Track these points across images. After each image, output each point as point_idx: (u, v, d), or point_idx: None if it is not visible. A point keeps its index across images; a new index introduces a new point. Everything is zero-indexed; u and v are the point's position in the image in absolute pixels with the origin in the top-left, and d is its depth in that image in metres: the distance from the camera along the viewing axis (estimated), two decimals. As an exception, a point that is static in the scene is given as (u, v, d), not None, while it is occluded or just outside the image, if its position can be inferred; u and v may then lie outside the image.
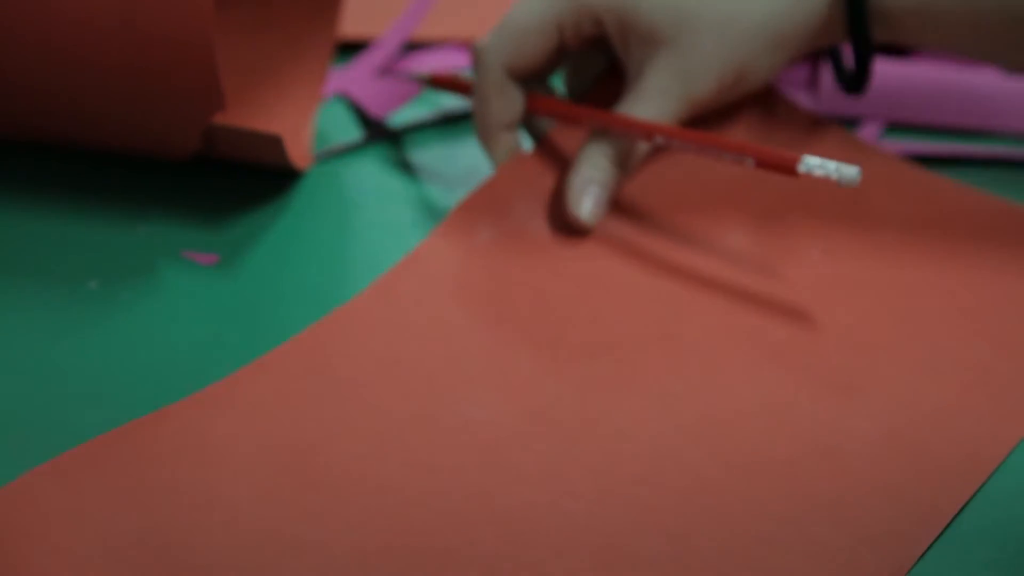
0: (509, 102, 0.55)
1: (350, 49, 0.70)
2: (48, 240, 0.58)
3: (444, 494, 0.45)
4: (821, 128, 0.63)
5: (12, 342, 0.52)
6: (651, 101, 0.53)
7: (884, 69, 0.69)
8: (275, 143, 0.57)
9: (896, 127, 0.66)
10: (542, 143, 0.60)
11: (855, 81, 0.55)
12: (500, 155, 0.56)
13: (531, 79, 0.56)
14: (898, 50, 0.69)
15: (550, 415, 0.48)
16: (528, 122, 0.58)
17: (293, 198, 0.61)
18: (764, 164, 0.50)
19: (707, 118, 0.58)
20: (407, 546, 0.43)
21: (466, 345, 0.51)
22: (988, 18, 0.53)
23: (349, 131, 0.66)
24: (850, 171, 0.48)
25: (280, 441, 0.46)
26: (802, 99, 0.68)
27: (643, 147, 0.55)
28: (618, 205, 0.56)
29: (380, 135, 0.66)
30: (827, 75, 0.68)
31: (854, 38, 0.53)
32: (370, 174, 0.63)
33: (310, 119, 0.63)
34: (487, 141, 0.56)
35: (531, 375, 0.50)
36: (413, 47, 0.71)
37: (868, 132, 0.67)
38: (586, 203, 0.54)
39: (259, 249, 0.58)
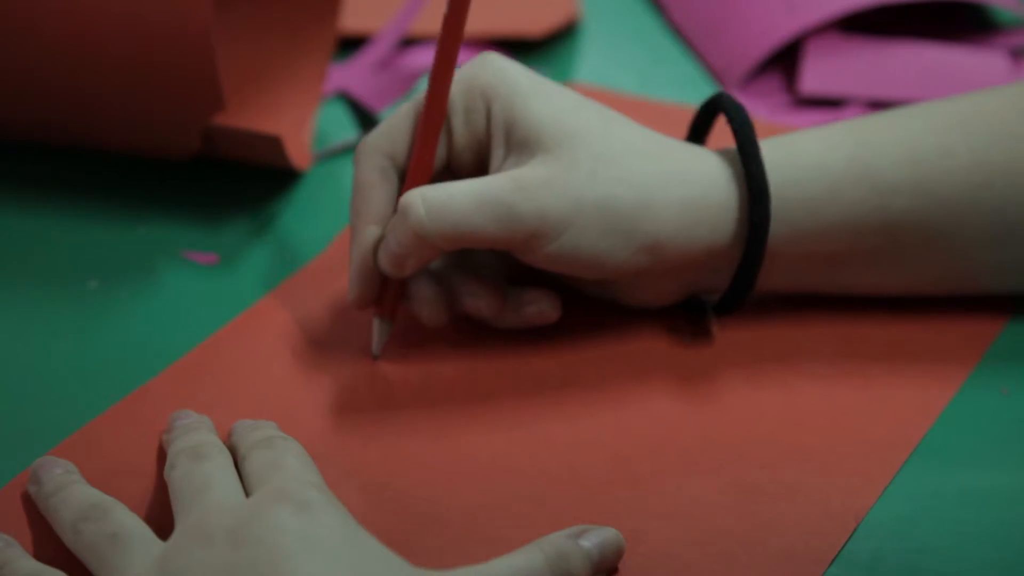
0: (386, 192, 0.50)
1: (347, 44, 0.71)
2: (48, 240, 0.58)
3: (423, 449, 0.48)
4: None
5: (12, 341, 0.53)
6: (481, 183, 0.49)
7: (865, 49, 0.69)
8: (275, 143, 0.58)
9: (879, 106, 0.66)
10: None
11: (728, 305, 0.52)
12: (364, 246, 0.50)
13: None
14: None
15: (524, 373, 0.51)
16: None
17: (293, 198, 0.61)
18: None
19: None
20: (390, 499, 0.45)
21: None
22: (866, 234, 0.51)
23: (348, 131, 0.66)
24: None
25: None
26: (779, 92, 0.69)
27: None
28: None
29: None
30: (807, 59, 0.68)
31: (742, 274, 0.50)
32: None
33: (310, 119, 0.63)
34: (354, 234, 0.51)
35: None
36: (410, 42, 0.71)
37: (851, 113, 0.67)
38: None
39: (259, 249, 0.58)
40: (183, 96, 0.55)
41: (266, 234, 0.59)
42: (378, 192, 0.50)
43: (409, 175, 0.50)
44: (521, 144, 0.49)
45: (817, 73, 0.67)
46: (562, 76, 0.70)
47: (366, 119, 0.66)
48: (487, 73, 0.50)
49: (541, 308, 0.52)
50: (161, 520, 0.44)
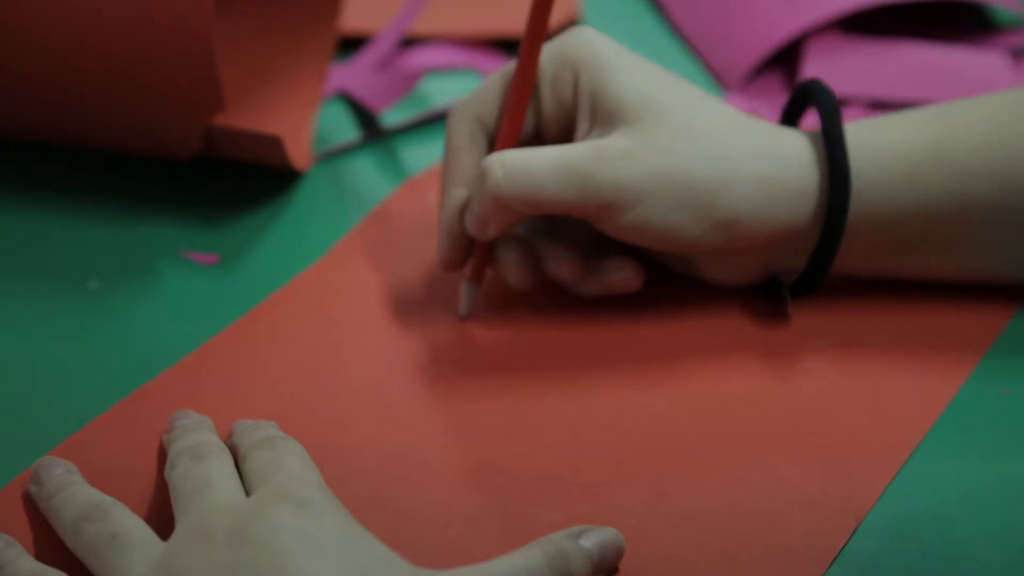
0: (475, 156, 0.51)
1: (348, 44, 0.70)
2: (48, 240, 0.58)
3: (423, 449, 0.48)
4: None
5: (12, 341, 0.52)
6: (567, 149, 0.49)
7: (865, 49, 0.69)
8: (275, 143, 0.57)
9: (879, 106, 0.67)
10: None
11: (804, 286, 0.52)
12: (451, 207, 0.51)
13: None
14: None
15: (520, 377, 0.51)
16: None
17: (293, 198, 0.61)
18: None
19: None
20: (391, 499, 0.46)
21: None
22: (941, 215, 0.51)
23: (348, 131, 0.66)
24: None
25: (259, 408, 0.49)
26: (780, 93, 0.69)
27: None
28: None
29: (377, 135, 0.66)
30: (807, 59, 0.68)
31: (819, 256, 0.51)
32: (368, 173, 0.63)
33: (310, 120, 0.63)
34: (442, 193, 0.52)
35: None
36: (410, 42, 0.71)
37: (851, 113, 0.67)
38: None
39: (259, 249, 0.58)
40: (184, 96, 0.55)
41: (266, 234, 0.59)
42: (467, 155, 0.51)
43: (498, 141, 0.51)
44: (605, 116, 0.50)
45: (817, 73, 0.66)
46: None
47: (366, 119, 0.66)
48: (577, 45, 0.51)
49: (625, 275, 0.53)
50: (161, 520, 0.44)
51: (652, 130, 0.49)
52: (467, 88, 0.67)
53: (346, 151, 0.65)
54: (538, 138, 0.52)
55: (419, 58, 0.70)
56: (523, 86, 0.50)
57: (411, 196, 0.60)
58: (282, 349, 0.52)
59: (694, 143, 0.49)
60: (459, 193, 0.51)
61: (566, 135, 0.52)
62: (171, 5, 0.53)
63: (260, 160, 0.60)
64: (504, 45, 0.72)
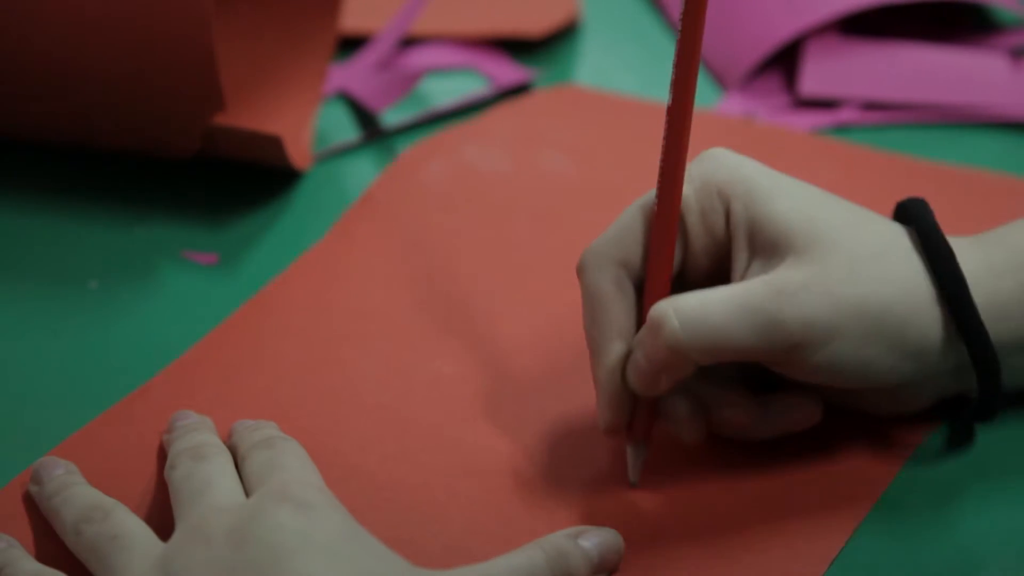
0: (626, 304, 0.47)
1: (348, 44, 0.70)
2: (48, 240, 0.58)
3: (422, 446, 0.47)
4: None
5: (12, 341, 0.52)
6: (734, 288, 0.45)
7: (865, 50, 0.69)
8: (275, 143, 0.57)
9: (879, 107, 0.67)
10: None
11: (980, 413, 0.48)
12: (611, 365, 0.47)
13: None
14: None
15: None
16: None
17: (293, 198, 0.61)
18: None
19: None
20: (391, 500, 0.45)
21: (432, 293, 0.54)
22: None
23: (348, 131, 0.66)
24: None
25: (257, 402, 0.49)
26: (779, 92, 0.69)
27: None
28: None
29: (377, 135, 0.65)
30: (807, 59, 0.68)
31: (981, 382, 0.47)
32: (368, 173, 0.63)
33: (310, 119, 0.63)
34: (597, 351, 0.47)
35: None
36: (410, 42, 0.70)
37: (847, 114, 0.67)
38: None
39: (259, 249, 0.58)
40: (183, 96, 0.55)
41: (266, 234, 0.59)
42: (617, 305, 0.47)
43: (648, 285, 0.47)
44: (768, 246, 0.46)
45: (817, 74, 0.67)
46: (562, 76, 0.70)
47: (366, 119, 0.66)
48: (722, 170, 0.47)
49: (808, 411, 0.48)
50: (162, 520, 0.44)
51: (826, 257, 0.45)
52: (466, 88, 0.68)
53: (346, 151, 0.65)
54: (683, 277, 0.48)
55: (419, 58, 0.69)
56: (670, 222, 0.46)
57: (400, 176, 0.60)
58: (283, 344, 0.52)
59: (873, 266, 0.46)
60: (617, 348, 0.46)
61: (717, 272, 0.48)
62: (171, 5, 0.53)
63: (260, 160, 0.60)
64: (505, 45, 0.71)
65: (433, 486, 0.47)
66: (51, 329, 0.53)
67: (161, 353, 0.52)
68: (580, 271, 0.47)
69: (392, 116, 0.66)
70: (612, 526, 0.44)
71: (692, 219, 0.47)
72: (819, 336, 0.45)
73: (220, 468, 0.43)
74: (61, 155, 0.62)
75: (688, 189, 0.47)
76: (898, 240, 0.46)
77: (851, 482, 0.47)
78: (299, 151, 0.61)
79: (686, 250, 0.48)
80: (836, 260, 0.45)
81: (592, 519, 0.46)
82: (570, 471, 0.48)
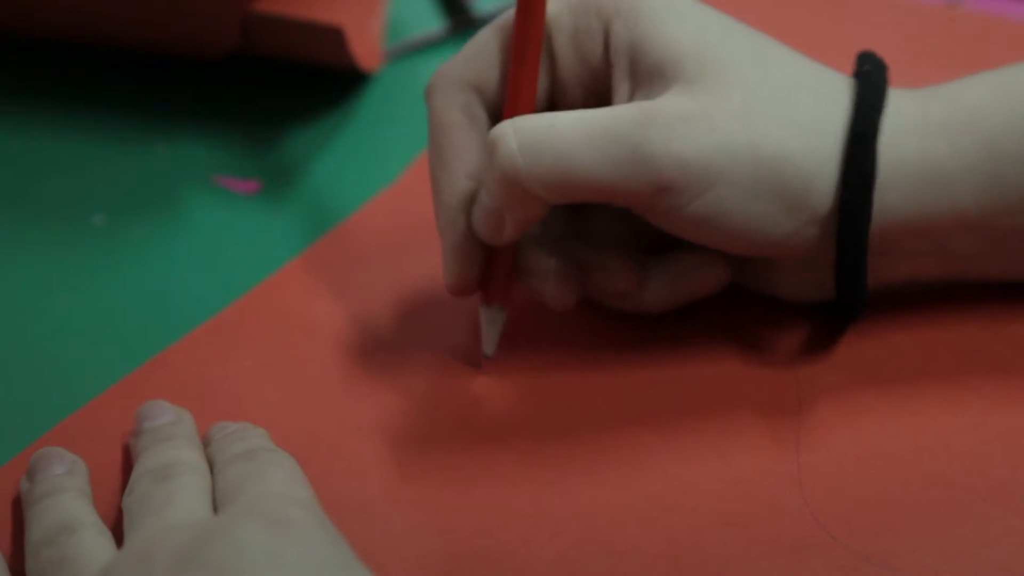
0: (476, 135, 0.46)
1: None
2: (44, 161, 0.56)
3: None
4: None
5: (1, 292, 0.50)
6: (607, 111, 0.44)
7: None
8: (335, 36, 0.55)
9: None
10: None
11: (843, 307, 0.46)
12: (452, 204, 0.45)
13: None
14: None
15: None
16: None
17: (357, 108, 0.59)
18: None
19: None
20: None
21: None
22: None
23: (430, 20, 0.64)
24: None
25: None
26: None
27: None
28: None
29: (468, 25, 0.64)
30: None
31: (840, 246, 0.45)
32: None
33: (380, 5, 0.61)
34: (436, 190, 0.46)
35: None
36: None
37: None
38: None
39: (312, 175, 0.56)
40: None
41: (322, 155, 0.57)
42: (464, 135, 0.45)
43: (505, 112, 0.45)
44: (653, 74, 0.44)
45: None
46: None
47: (454, 5, 0.65)
48: None
49: (711, 271, 0.47)
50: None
51: (718, 89, 0.43)
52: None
53: (428, 46, 0.63)
54: (555, 109, 0.47)
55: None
56: (531, 38, 0.44)
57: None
58: (342, 305, 0.49)
59: (774, 104, 0.43)
60: (461, 186, 0.45)
61: (594, 106, 0.46)
62: None
63: (315, 59, 0.58)
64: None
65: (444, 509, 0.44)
66: (45, 278, 0.51)
67: (185, 310, 0.49)
68: (427, 96, 0.46)
69: (487, 1, 0.66)
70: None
71: (561, 40, 0.45)
72: (695, 179, 0.42)
73: (186, 486, 0.41)
74: (63, 53, 0.61)
75: (559, 4, 0.45)
76: (813, 81, 0.44)
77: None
78: (366, 47, 0.59)
79: (554, 78, 0.46)
80: (730, 93, 0.43)
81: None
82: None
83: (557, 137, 0.42)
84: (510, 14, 0.45)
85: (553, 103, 0.47)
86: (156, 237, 0.53)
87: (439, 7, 0.64)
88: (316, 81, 0.60)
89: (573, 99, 0.46)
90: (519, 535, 0.42)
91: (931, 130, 0.44)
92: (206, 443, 0.44)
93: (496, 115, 0.46)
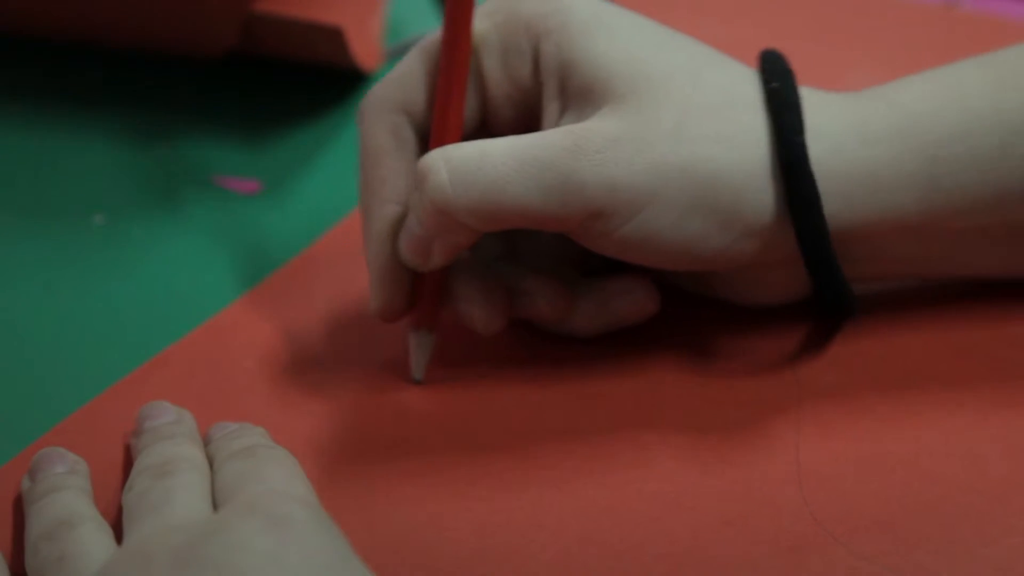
0: (404, 160, 0.45)
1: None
2: (44, 161, 0.56)
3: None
4: None
5: (1, 292, 0.50)
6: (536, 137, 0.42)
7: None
8: (335, 36, 0.56)
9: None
10: None
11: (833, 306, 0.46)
12: (379, 231, 0.45)
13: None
14: None
15: None
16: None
17: (357, 108, 0.58)
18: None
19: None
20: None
21: None
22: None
23: (429, 21, 0.64)
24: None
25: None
26: None
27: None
28: None
29: None
30: None
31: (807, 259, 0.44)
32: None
33: (380, 5, 0.61)
34: (364, 214, 0.45)
35: None
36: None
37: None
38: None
39: (313, 174, 0.56)
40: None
41: (322, 155, 0.57)
42: (393, 160, 0.45)
43: (433, 136, 0.45)
44: (583, 93, 0.43)
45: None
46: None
47: None
48: (531, 0, 0.44)
49: (636, 299, 0.46)
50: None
51: (650, 107, 0.42)
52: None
53: None
54: (486, 132, 0.46)
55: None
56: (457, 59, 0.44)
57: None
58: (341, 302, 0.49)
59: (708, 121, 0.42)
60: (388, 211, 0.44)
61: (526, 125, 0.45)
62: None
63: (315, 59, 0.58)
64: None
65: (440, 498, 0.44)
66: (44, 278, 0.50)
67: (185, 310, 0.49)
68: (357, 119, 0.45)
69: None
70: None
71: (490, 60, 0.44)
72: (627, 203, 0.41)
73: (186, 483, 0.40)
74: (62, 54, 0.61)
75: (487, 23, 0.44)
76: (748, 93, 0.43)
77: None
78: (366, 47, 0.59)
79: (484, 97, 0.45)
80: (661, 112, 0.42)
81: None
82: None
83: (488, 166, 0.42)
84: (437, 34, 0.45)
85: (483, 122, 0.46)
86: (156, 237, 0.53)
87: (439, 7, 0.64)
88: (316, 81, 0.59)
89: (504, 118, 0.46)
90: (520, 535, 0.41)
91: (871, 137, 0.44)
92: (206, 442, 0.44)
93: (426, 136, 0.45)
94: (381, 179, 0.45)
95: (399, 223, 0.45)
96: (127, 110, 0.59)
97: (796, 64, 0.49)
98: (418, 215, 0.43)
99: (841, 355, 0.46)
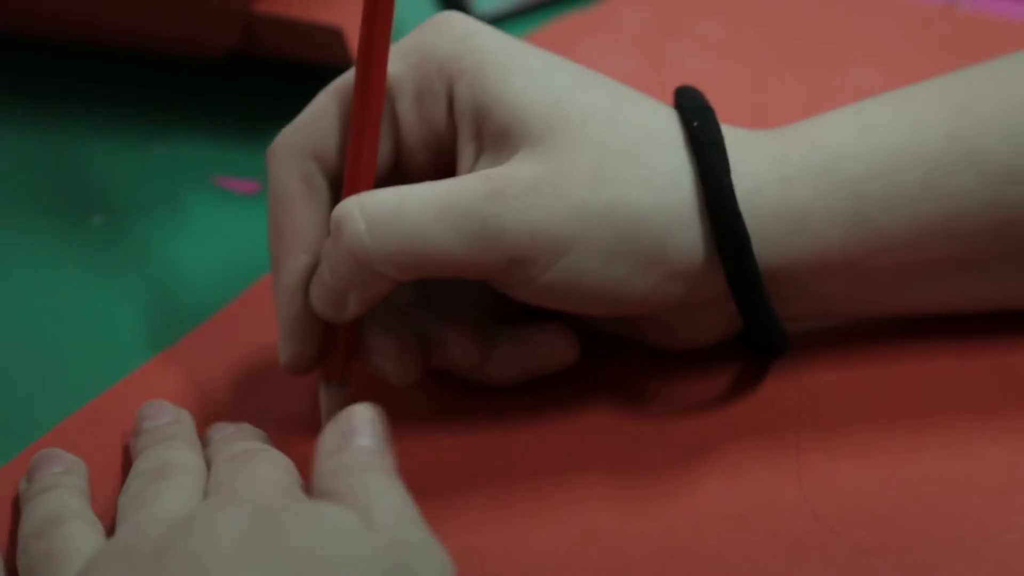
0: (315, 207, 0.43)
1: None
2: (44, 161, 0.56)
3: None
4: None
5: (1, 292, 0.50)
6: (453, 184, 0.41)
7: None
8: (335, 37, 0.55)
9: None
10: None
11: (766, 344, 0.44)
12: (290, 282, 0.43)
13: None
14: None
15: None
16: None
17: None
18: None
19: None
20: None
21: None
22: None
23: None
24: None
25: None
26: None
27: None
28: None
29: None
30: None
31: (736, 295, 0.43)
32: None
33: None
34: (274, 264, 0.44)
35: None
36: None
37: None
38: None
39: None
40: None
41: None
42: (303, 207, 0.43)
43: (346, 183, 0.43)
44: (498, 136, 0.42)
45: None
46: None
47: (455, 4, 0.65)
48: (446, 41, 0.43)
49: (556, 348, 0.44)
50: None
51: (568, 150, 0.41)
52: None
53: None
54: (399, 176, 0.45)
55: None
56: (370, 103, 0.42)
57: None
58: None
59: (628, 163, 0.41)
60: (299, 262, 0.43)
61: (441, 170, 0.44)
62: None
63: (315, 59, 0.57)
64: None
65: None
66: (43, 278, 0.50)
67: (185, 309, 0.49)
68: (266, 163, 0.44)
69: (487, 1, 0.66)
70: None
71: (404, 102, 0.43)
72: (548, 249, 0.40)
73: (179, 484, 0.39)
74: (65, 53, 0.61)
75: (401, 66, 0.43)
76: (669, 133, 0.42)
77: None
78: None
79: (398, 140, 0.44)
80: (580, 155, 0.41)
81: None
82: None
83: (407, 215, 0.40)
84: (349, 76, 0.44)
85: (396, 166, 0.45)
86: (156, 237, 0.52)
87: (439, 7, 0.64)
88: (316, 81, 0.58)
89: (418, 162, 0.44)
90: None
91: (795, 176, 0.43)
92: (205, 444, 0.43)
93: (337, 182, 0.44)
94: (291, 228, 0.43)
95: (310, 273, 0.43)
96: (127, 110, 0.59)
97: (796, 64, 0.49)
98: (332, 266, 0.42)
99: (842, 355, 0.45)
